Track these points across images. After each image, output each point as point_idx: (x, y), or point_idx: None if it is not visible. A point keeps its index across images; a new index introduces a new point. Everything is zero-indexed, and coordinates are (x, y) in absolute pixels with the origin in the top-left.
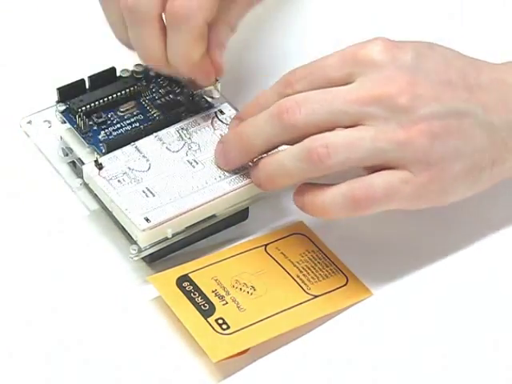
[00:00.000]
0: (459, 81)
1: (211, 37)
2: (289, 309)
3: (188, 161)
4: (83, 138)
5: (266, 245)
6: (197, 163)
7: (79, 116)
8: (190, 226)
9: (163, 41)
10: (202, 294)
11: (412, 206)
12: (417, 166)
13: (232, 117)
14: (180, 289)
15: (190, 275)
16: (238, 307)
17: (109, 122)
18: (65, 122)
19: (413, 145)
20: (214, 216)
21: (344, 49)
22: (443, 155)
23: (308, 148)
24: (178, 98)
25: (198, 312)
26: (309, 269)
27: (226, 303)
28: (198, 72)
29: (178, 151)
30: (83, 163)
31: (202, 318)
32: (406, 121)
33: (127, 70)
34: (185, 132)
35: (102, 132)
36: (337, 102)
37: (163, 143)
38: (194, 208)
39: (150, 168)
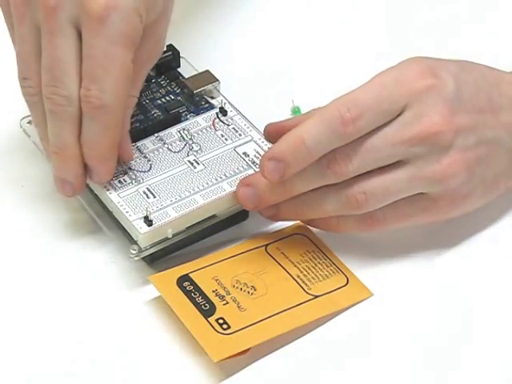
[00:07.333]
0: (487, 105)
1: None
2: (289, 309)
3: (189, 161)
4: None
5: (266, 245)
6: (198, 164)
7: None
8: (191, 226)
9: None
10: (202, 293)
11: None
12: (443, 195)
13: (237, 120)
14: (180, 288)
15: (190, 275)
16: (239, 307)
17: None
18: None
19: (447, 179)
20: (214, 216)
21: (383, 77)
22: (471, 184)
23: (346, 194)
24: (179, 98)
25: (198, 312)
26: (309, 269)
27: (227, 303)
28: (104, 162)
29: (179, 152)
30: None
31: (203, 318)
32: (443, 154)
33: None
34: (186, 133)
35: None
36: (385, 147)
37: (164, 143)
38: (195, 209)
39: (150, 168)
